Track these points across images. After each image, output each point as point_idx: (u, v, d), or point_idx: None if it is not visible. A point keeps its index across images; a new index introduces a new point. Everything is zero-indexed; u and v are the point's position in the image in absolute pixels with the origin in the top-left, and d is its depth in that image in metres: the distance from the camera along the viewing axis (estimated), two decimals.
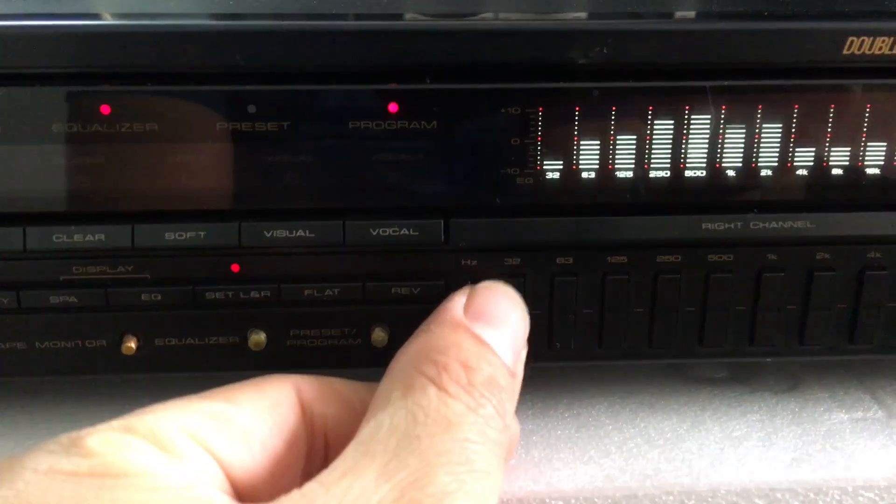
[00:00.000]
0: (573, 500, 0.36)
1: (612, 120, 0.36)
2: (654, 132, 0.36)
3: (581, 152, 0.36)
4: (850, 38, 0.34)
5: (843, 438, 0.40)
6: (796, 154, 0.37)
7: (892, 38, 0.34)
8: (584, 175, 0.36)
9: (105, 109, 0.34)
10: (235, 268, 0.37)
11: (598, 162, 0.36)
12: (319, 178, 0.36)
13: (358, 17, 0.35)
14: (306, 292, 0.37)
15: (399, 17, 0.36)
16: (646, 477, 0.37)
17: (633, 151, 0.36)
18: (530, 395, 0.42)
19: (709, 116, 0.36)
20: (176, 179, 0.35)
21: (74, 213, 0.36)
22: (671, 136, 0.36)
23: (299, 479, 0.30)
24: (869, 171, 0.37)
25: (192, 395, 0.29)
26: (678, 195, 0.37)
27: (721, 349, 0.40)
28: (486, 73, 0.35)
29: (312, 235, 0.36)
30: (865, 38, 0.34)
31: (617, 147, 0.36)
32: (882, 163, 0.37)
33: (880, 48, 0.35)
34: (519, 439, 0.38)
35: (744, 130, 0.36)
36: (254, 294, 0.37)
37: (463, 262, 0.37)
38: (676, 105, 0.36)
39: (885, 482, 0.37)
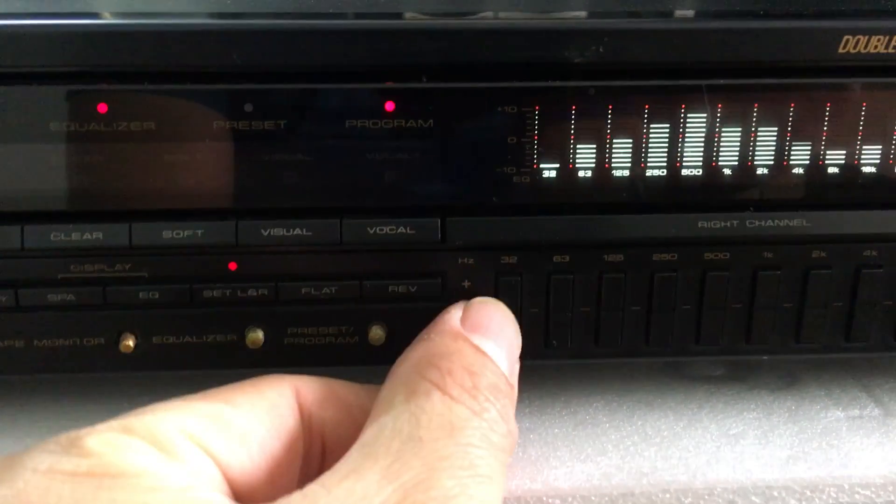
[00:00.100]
0: (570, 499, 0.36)
1: (609, 119, 0.36)
2: (651, 131, 0.36)
3: (577, 151, 0.36)
4: (846, 37, 0.34)
5: (839, 436, 0.40)
6: (792, 152, 0.37)
7: (887, 37, 0.34)
8: (581, 174, 0.36)
9: (102, 108, 0.34)
10: (233, 266, 0.37)
11: (594, 161, 0.36)
12: (316, 176, 0.36)
13: (355, 16, 0.35)
14: (304, 290, 0.37)
15: (396, 15, 0.36)
16: (643, 475, 0.37)
17: (630, 150, 0.36)
18: (527, 393, 0.42)
19: (705, 115, 0.36)
20: (173, 178, 0.35)
21: (72, 211, 0.36)
22: (667, 135, 0.36)
23: (296, 481, 0.30)
24: (865, 169, 0.37)
25: (191, 396, 0.29)
26: (674, 194, 0.37)
27: (718, 347, 0.40)
28: (482, 72, 0.35)
29: (310, 234, 0.36)
30: (861, 37, 0.34)
31: (613, 146, 0.36)
32: (878, 161, 0.37)
33: (876, 47, 0.35)
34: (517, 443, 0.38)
35: (740, 129, 0.36)
36: (251, 292, 0.37)
37: (460, 261, 0.37)
38: (672, 104, 0.36)
39: (882, 480, 0.37)
